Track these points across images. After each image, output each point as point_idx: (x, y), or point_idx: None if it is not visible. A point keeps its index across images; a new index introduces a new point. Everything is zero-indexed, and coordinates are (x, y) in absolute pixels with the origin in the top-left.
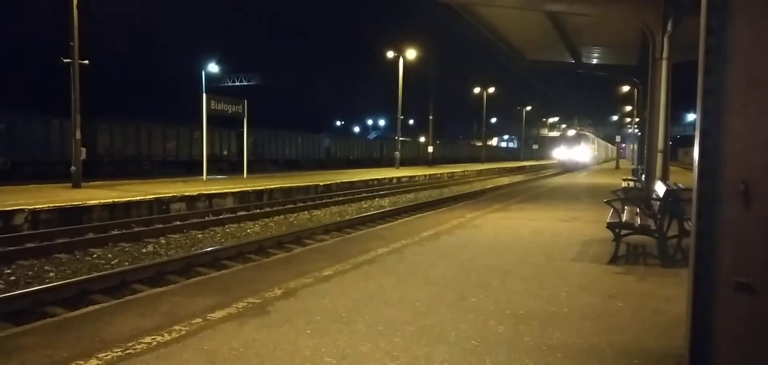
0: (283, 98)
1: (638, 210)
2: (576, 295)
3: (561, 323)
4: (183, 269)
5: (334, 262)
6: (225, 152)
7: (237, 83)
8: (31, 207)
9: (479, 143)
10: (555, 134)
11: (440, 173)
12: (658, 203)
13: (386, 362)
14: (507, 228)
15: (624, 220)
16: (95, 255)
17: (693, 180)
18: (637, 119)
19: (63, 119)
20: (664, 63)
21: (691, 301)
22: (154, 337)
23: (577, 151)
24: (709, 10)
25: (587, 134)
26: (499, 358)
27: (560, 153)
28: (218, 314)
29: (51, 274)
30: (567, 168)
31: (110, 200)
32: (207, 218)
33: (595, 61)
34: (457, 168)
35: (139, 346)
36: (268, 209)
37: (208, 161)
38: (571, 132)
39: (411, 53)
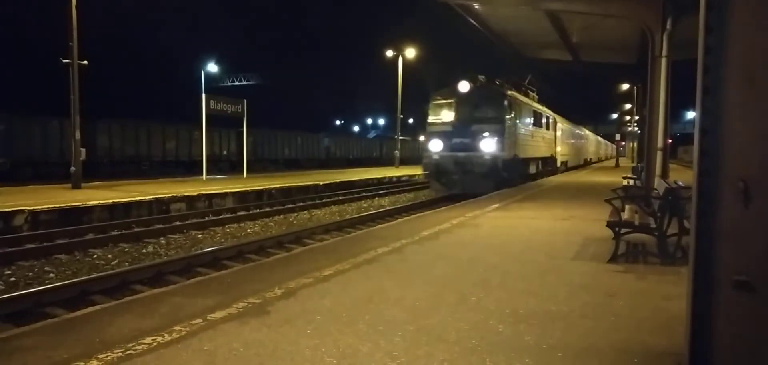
0: (283, 97)
1: (638, 208)
2: (576, 294)
3: (561, 322)
4: (183, 269)
5: (334, 262)
6: (224, 152)
7: (236, 83)
8: (31, 208)
9: None
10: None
11: None
12: (658, 201)
13: (387, 362)
14: (507, 227)
15: (624, 218)
16: (95, 256)
17: (693, 178)
18: (636, 118)
19: (62, 119)
20: (664, 61)
21: (691, 299)
22: (154, 338)
23: (481, 139)
24: (708, 8)
25: (514, 95)
26: (499, 358)
27: (435, 145)
28: (218, 314)
29: (51, 275)
30: (445, 182)
31: (110, 201)
32: (207, 218)
33: (594, 59)
34: None
35: (140, 347)
36: (267, 209)
37: (207, 161)
38: (463, 86)
39: (410, 52)
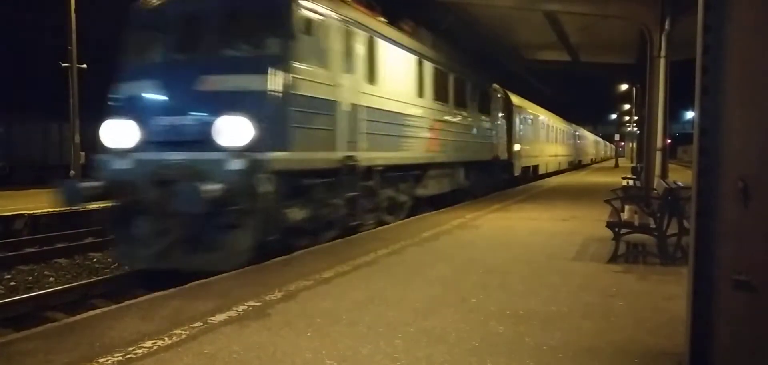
0: None
1: (638, 209)
2: (576, 294)
3: (561, 322)
4: None
5: (333, 264)
6: None
7: None
8: (31, 212)
9: None
10: None
11: None
12: (658, 201)
13: (387, 364)
14: (506, 228)
15: (623, 219)
16: (95, 259)
17: (692, 178)
18: (635, 118)
19: (62, 122)
20: (662, 61)
21: (691, 299)
22: (154, 341)
23: (219, 114)
24: (706, 8)
25: (347, 13)
26: (499, 359)
27: (115, 133)
28: (218, 317)
29: (51, 279)
30: (139, 232)
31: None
32: None
33: (593, 59)
34: None
35: (140, 350)
36: None
37: None
38: None
39: None
